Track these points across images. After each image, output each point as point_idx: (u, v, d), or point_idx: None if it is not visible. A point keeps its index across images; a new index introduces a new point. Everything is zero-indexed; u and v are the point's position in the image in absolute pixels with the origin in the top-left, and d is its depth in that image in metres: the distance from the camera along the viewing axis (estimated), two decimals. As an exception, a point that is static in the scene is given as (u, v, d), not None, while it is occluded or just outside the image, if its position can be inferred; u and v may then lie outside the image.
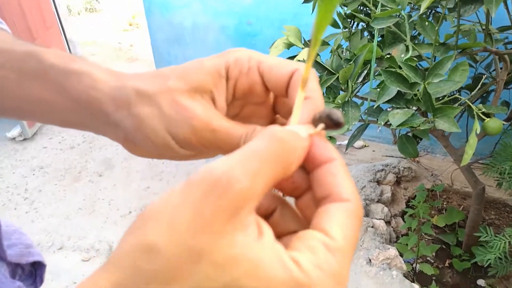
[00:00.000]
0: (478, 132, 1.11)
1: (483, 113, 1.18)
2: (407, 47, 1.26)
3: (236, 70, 0.31)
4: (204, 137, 0.30)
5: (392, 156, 2.62)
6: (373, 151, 2.77)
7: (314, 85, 0.28)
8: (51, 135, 3.30)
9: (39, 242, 2.20)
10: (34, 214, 2.45)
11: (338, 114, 0.25)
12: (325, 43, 1.43)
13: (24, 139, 3.18)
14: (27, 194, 2.62)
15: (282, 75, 0.30)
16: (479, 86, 1.31)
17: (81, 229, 2.30)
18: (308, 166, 0.25)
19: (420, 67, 1.32)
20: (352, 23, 1.52)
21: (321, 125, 0.26)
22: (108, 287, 0.19)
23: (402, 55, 1.25)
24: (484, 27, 1.28)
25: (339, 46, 1.46)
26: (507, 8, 1.19)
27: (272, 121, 0.34)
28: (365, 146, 2.82)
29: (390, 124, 1.16)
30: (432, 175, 2.45)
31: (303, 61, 1.30)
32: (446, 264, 1.96)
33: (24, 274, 0.48)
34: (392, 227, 2.12)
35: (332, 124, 0.25)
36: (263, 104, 0.34)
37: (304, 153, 0.24)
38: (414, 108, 1.20)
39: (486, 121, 1.16)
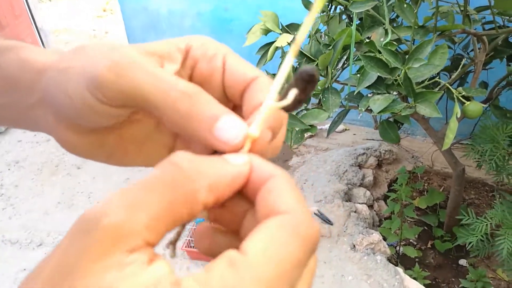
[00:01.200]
0: (458, 116, 1.10)
1: (463, 96, 1.17)
2: (386, 30, 1.24)
3: (199, 51, 0.27)
4: (126, 80, 0.23)
5: (373, 139, 2.62)
6: (354, 134, 2.77)
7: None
8: (25, 128, 3.20)
9: (17, 239, 2.15)
10: (11, 211, 2.38)
11: (307, 69, 0.22)
12: (303, 28, 1.39)
13: (-3, 133, 3.09)
14: (3, 190, 2.55)
15: (243, 76, 0.26)
16: (459, 68, 1.30)
17: (61, 224, 2.24)
18: (249, 193, 0.22)
19: (399, 50, 1.31)
20: (330, 7, 1.48)
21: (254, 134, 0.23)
22: None
23: (381, 39, 1.23)
24: (462, 8, 1.27)
25: (317, 30, 1.43)
26: (485, -11, 1.18)
27: None
28: (345, 129, 2.81)
29: (371, 110, 1.14)
30: (412, 157, 2.47)
31: (280, 48, 1.27)
32: (429, 246, 1.98)
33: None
34: (375, 210, 2.13)
35: (306, 83, 0.22)
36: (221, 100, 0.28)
37: (236, 180, 0.21)
38: (395, 93, 1.18)
39: (466, 104, 1.15)
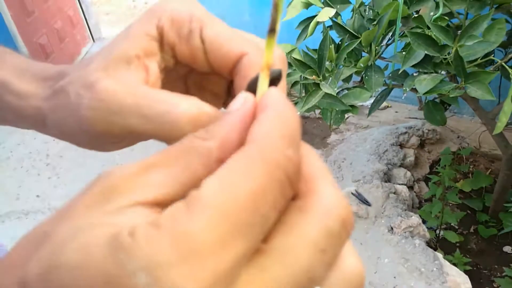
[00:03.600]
0: (514, 98, 1.02)
1: (520, 76, 1.07)
2: (437, 3, 1.15)
3: (173, 32, 0.25)
4: (116, 113, 0.23)
5: (416, 118, 2.51)
6: (396, 112, 2.66)
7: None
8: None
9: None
10: (57, 180, 2.48)
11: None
12: (346, 1, 1.32)
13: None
14: (49, 159, 2.65)
15: (228, 54, 0.24)
16: (515, 46, 1.20)
17: (102, 195, 2.32)
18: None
19: (451, 25, 1.21)
20: (376, -22, 1.40)
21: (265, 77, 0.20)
22: None
23: (431, 13, 1.14)
24: (524, -21, 1.16)
25: (362, 4, 1.35)
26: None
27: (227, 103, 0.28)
28: (388, 106, 2.71)
29: (417, 90, 1.08)
30: (458, 137, 2.35)
31: (322, 22, 1.21)
32: (471, 230, 1.90)
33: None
34: (415, 192, 2.06)
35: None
36: (212, 73, 0.27)
37: (242, 120, 0.18)
38: (443, 72, 1.10)
39: (523, 85, 1.06)
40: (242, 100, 0.19)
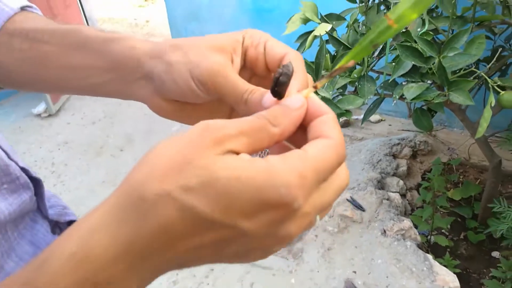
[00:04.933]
0: (493, 105, 1.12)
1: (498, 86, 1.18)
2: (423, 20, 1.27)
3: (249, 40, 0.39)
4: (218, 81, 0.36)
5: (408, 130, 2.62)
6: (390, 125, 2.77)
7: (301, 68, 0.36)
8: (73, 111, 3.39)
9: (66, 214, 2.31)
10: (61, 187, 2.55)
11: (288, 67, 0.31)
12: (341, 18, 1.44)
13: (49, 115, 3.28)
14: (54, 167, 2.73)
15: (277, 54, 0.37)
16: (495, 58, 1.31)
17: (105, 202, 2.39)
18: (305, 121, 0.32)
19: (437, 40, 1.33)
20: (369, -3, 1.52)
21: (310, 89, 0.33)
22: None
23: (419, 29, 1.26)
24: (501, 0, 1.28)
25: (356, 20, 1.47)
26: (526, -21, 1.18)
27: None
28: (381, 120, 2.82)
29: (405, 97, 1.18)
30: (448, 149, 2.45)
31: (319, 36, 1.32)
32: (461, 237, 1.99)
33: (61, 231, 0.54)
34: (407, 200, 2.15)
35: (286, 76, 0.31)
36: (266, 79, 0.40)
37: (299, 119, 0.31)
38: (429, 81, 1.21)
39: (501, 94, 1.17)
40: (300, 103, 0.31)
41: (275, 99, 0.32)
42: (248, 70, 0.40)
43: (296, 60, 0.35)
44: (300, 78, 0.34)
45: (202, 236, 0.26)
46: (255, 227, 0.26)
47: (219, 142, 0.26)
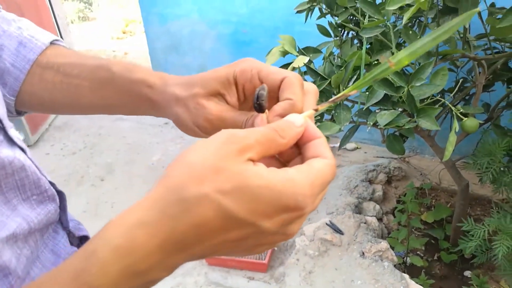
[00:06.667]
0: (457, 130, 1.23)
1: (461, 113, 1.30)
2: (393, 53, 1.39)
3: (243, 78, 0.43)
4: (217, 125, 0.43)
5: (383, 157, 2.74)
6: (365, 152, 2.89)
7: (297, 90, 0.41)
8: (52, 141, 3.38)
9: (46, 244, 2.29)
10: (40, 218, 2.53)
11: (261, 95, 0.38)
12: (317, 51, 1.55)
13: (27, 146, 3.26)
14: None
15: (276, 81, 0.42)
16: (457, 88, 1.43)
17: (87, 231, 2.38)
18: (301, 141, 0.38)
19: (406, 72, 1.45)
20: (342, 32, 1.64)
21: (311, 111, 0.40)
22: (138, 218, 0.31)
23: (388, 62, 1.37)
24: (462, 35, 1.41)
25: (331, 53, 1.58)
26: (481, 18, 1.32)
27: None
28: (357, 148, 2.94)
29: (378, 124, 1.28)
30: (421, 174, 2.58)
31: (297, 68, 1.42)
32: (435, 258, 2.08)
33: (77, 244, 0.58)
34: (384, 223, 2.23)
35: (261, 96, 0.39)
36: (272, 99, 0.46)
37: (299, 135, 0.37)
38: (400, 109, 1.32)
39: (464, 120, 1.28)
40: (302, 122, 0.37)
41: (265, 121, 0.40)
42: (250, 100, 0.46)
43: (295, 83, 0.41)
44: (297, 97, 0.40)
45: (229, 233, 0.31)
46: (272, 226, 0.31)
47: (243, 151, 0.32)
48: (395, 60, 0.40)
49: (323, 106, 0.41)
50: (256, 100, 0.39)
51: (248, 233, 0.31)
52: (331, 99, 0.42)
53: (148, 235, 0.30)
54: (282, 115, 0.39)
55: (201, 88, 0.44)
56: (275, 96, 0.42)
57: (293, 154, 0.38)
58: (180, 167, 0.32)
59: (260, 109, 0.39)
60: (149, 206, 0.31)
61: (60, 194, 0.52)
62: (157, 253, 0.30)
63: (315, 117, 1.54)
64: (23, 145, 0.48)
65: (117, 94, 0.48)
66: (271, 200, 0.30)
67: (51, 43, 0.54)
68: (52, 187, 0.50)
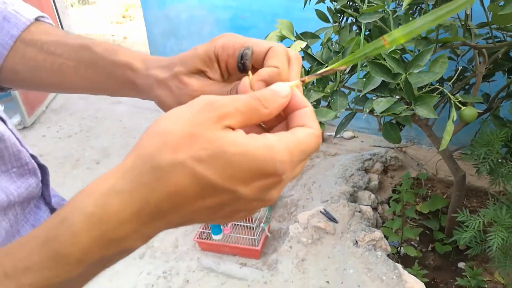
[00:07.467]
0: (454, 119, 1.21)
1: (460, 102, 1.27)
2: (392, 40, 1.36)
3: (224, 54, 0.42)
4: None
5: (380, 146, 2.72)
6: (362, 141, 2.87)
7: (283, 59, 0.39)
8: (49, 124, 3.36)
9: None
10: (34, 200, 2.52)
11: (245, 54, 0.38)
12: (315, 36, 1.52)
13: (24, 128, 3.25)
14: (27, 181, 2.69)
15: (261, 52, 0.40)
16: (455, 77, 1.41)
17: (80, 214, 2.37)
18: (288, 109, 0.36)
19: (405, 60, 1.42)
20: (341, 18, 1.61)
21: (298, 81, 0.38)
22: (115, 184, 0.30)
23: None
24: (463, 23, 1.38)
25: (329, 39, 1.55)
26: (483, 6, 1.29)
27: None
28: (354, 137, 2.92)
29: (375, 111, 1.26)
30: (418, 164, 2.56)
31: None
32: (429, 248, 2.07)
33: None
34: (378, 213, 2.22)
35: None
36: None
37: (284, 105, 0.36)
38: (397, 97, 1.29)
39: (462, 109, 1.26)
40: (287, 92, 0.36)
41: (248, 86, 0.38)
42: (235, 75, 0.44)
43: (281, 52, 0.39)
44: (283, 65, 0.39)
45: (206, 200, 0.30)
46: (249, 192, 0.31)
47: (221, 118, 0.31)
48: (390, 38, 0.37)
49: (310, 78, 0.40)
50: (240, 59, 0.38)
51: (225, 200, 0.31)
52: (318, 72, 0.40)
53: (122, 203, 0.29)
54: (267, 82, 0.37)
55: (181, 66, 0.43)
56: (259, 66, 0.41)
57: (277, 121, 0.38)
58: (154, 135, 0.31)
59: (244, 69, 0.38)
60: (123, 174, 0.30)
61: (42, 168, 0.50)
62: (132, 222, 0.29)
63: (311, 103, 1.52)
64: (4, 116, 0.46)
65: (101, 76, 0.47)
66: (247, 166, 0.30)
67: (36, 19, 0.52)
68: (33, 160, 0.48)
